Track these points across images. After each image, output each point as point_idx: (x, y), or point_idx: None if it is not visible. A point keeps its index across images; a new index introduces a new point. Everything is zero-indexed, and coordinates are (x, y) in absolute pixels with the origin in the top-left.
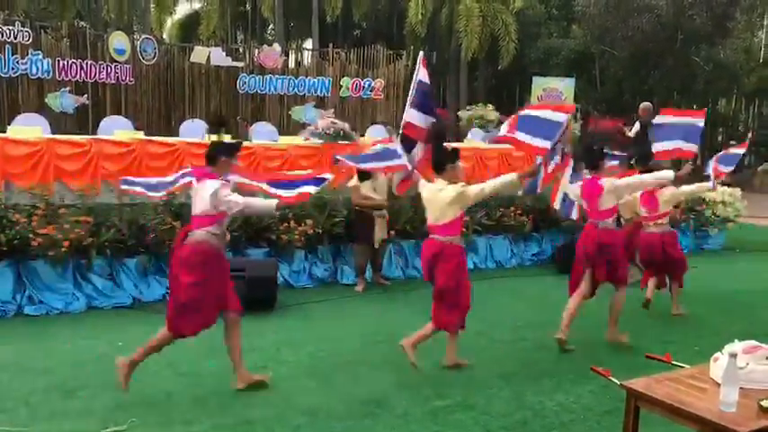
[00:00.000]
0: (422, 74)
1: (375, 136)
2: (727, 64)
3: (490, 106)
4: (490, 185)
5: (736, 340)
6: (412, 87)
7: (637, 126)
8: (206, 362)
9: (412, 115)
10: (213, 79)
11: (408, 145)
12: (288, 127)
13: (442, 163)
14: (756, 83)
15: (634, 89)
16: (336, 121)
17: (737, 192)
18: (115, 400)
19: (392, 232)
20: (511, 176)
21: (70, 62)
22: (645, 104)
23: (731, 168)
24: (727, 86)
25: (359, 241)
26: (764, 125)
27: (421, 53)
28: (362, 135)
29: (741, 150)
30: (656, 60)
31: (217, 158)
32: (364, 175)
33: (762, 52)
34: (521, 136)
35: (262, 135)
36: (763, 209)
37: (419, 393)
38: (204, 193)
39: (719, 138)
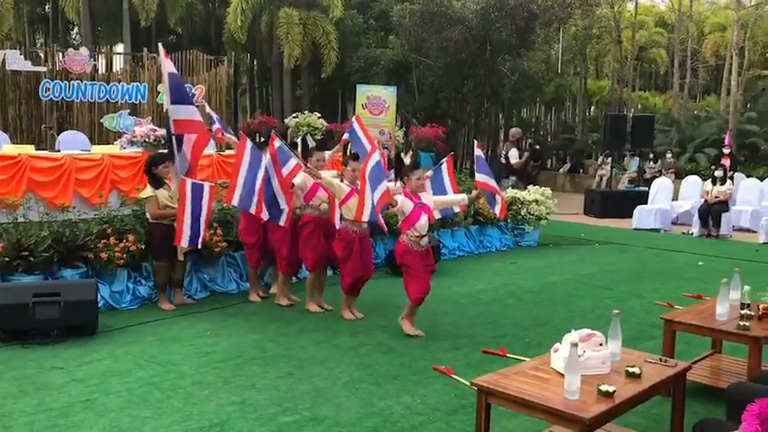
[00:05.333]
0: (169, 66)
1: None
2: (531, 74)
3: (317, 114)
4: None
5: (573, 330)
6: (166, 82)
7: (515, 151)
8: (13, 402)
9: (178, 111)
10: (10, 85)
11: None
12: (100, 135)
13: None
14: (554, 91)
15: (449, 97)
16: (156, 128)
17: (548, 191)
18: None
19: (224, 243)
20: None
21: None
22: (515, 130)
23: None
24: (531, 95)
25: (160, 257)
26: (565, 130)
27: (160, 45)
28: None
29: (478, 152)
30: (468, 70)
31: None
32: (160, 183)
33: (559, 63)
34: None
35: (71, 145)
36: (567, 206)
37: (264, 412)
38: None
39: (524, 142)
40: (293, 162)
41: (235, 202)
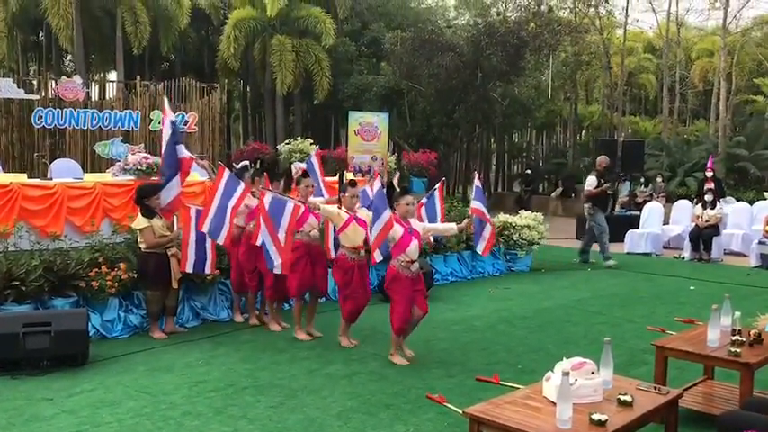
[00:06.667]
0: (172, 115)
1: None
2: (521, 100)
3: (309, 140)
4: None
5: (565, 357)
6: (171, 127)
7: (593, 179)
8: None
9: (182, 151)
10: (3, 112)
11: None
12: (92, 163)
13: None
14: (545, 116)
15: (441, 123)
16: (149, 155)
17: (540, 216)
18: None
19: (217, 271)
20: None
21: None
22: (603, 158)
23: (481, 204)
24: (522, 120)
25: (155, 286)
26: (556, 155)
27: (165, 99)
28: None
29: (477, 183)
30: (459, 96)
31: None
32: (151, 213)
33: (549, 89)
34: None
35: (64, 172)
36: (560, 231)
37: None
38: None
39: (516, 167)
40: (291, 206)
41: (205, 229)
